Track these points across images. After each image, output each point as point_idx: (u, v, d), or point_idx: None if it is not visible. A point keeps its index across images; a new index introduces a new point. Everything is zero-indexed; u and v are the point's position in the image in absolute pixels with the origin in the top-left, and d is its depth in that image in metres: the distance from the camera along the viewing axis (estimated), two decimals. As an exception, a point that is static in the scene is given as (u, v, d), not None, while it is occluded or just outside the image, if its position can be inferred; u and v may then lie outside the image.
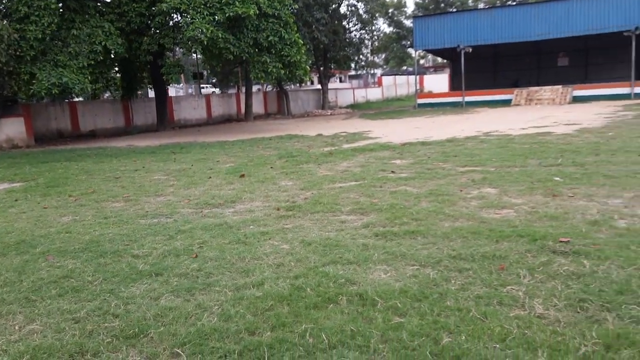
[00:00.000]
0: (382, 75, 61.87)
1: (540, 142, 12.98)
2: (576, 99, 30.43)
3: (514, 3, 55.53)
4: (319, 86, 41.43)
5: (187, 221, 6.98)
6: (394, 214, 6.61)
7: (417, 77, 41.86)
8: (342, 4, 37.63)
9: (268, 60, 21.95)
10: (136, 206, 8.28)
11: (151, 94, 35.17)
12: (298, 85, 47.35)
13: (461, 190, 7.92)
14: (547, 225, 5.76)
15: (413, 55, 38.07)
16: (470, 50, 32.86)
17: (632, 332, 3.23)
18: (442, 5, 58.58)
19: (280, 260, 5.11)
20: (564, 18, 30.47)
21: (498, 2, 59.10)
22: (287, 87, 37.32)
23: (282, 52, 22.34)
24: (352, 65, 41.41)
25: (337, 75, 60.55)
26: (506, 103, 31.97)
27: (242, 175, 10.63)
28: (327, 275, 4.58)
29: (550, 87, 31.59)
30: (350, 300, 4.03)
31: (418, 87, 42.32)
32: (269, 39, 21.89)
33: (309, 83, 52.37)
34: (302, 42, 23.78)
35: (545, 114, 22.89)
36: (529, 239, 5.25)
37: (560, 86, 31.31)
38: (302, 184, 9.30)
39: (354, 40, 38.53)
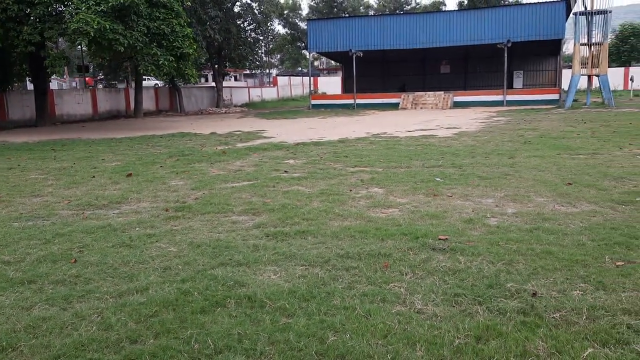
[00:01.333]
0: (277, 75, 62.07)
1: (424, 145, 13.72)
2: (457, 104, 32.55)
3: (402, 12, 58.29)
4: (214, 84, 40.65)
5: (67, 224, 6.53)
6: (285, 214, 6.65)
7: (312, 78, 42.51)
8: (236, 3, 37.22)
9: (159, 52, 21.10)
10: (9, 207, 7.62)
11: (30, 86, 32.50)
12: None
13: (351, 190, 8.15)
14: (428, 223, 6.09)
15: (307, 57, 38.49)
16: (361, 54, 33.96)
17: (499, 324, 3.51)
18: (335, 10, 59.99)
19: (167, 264, 4.94)
20: (446, 29, 32.48)
21: (387, 10, 61.69)
22: (180, 83, 36.18)
23: (174, 44, 21.59)
24: (247, 64, 41.11)
25: (232, 73, 59.83)
26: (394, 106, 33.42)
27: (129, 175, 10.16)
28: (216, 278, 4.50)
29: (434, 92, 33.52)
30: (238, 303, 4.00)
31: (312, 89, 42.98)
32: (162, 28, 21.06)
33: (202, 80, 51.22)
34: (193, 36, 23.19)
35: (429, 118, 24.24)
36: (412, 237, 5.52)
37: (442, 92, 33.31)
38: (193, 184, 9.07)
39: (249, 39, 38.28)
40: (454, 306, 3.85)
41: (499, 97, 32.34)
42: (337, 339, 3.40)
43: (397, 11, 61.88)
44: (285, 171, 10.15)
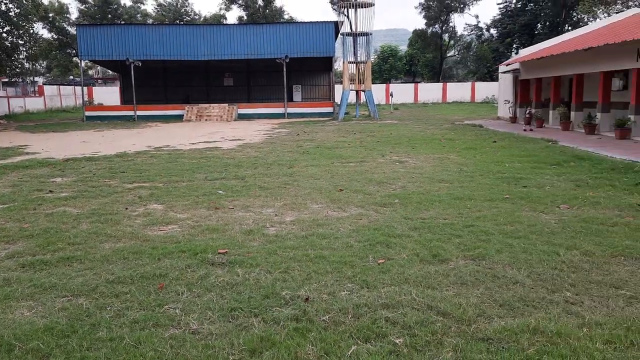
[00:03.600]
0: (44, 84, 55.87)
1: (207, 157, 13.59)
2: (241, 117, 33.15)
3: (182, 23, 57.45)
4: (-39, 93, 34.80)
5: None
6: (47, 240, 5.91)
7: (85, 88, 39.23)
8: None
9: None
10: None
11: None
12: None
13: (127, 209, 7.62)
14: (209, 238, 5.97)
15: (79, 65, 35.41)
16: (140, 64, 32.48)
17: (274, 333, 3.55)
18: (110, 16, 56.50)
19: None
20: (228, 42, 32.92)
21: (166, 20, 60.23)
22: None
23: None
24: (6, 71, 36.14)
25: (-13, 81, 52.14)
26: (178, 118, 32.66)
27: None
28: (-51, 324, 3.74)
29: (218, 104, 33.62)
30: (-22, 352, 3.36)
31: (87, 99, 39.71)
32: None
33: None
34: None
35: (214, 130, 24.21)
36: (191, 253, 5.34)
37: (227, 104, 33.61)
38: None
39: (6, 43, 33.70)
40: (230, 321, 3.78)
41: (280, 110, 33.83)
42: (101, 376, 3.06)
43: (177, 21, 60.81)
44: (50, 191, 9.08)
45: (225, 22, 60.27)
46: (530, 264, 4.84)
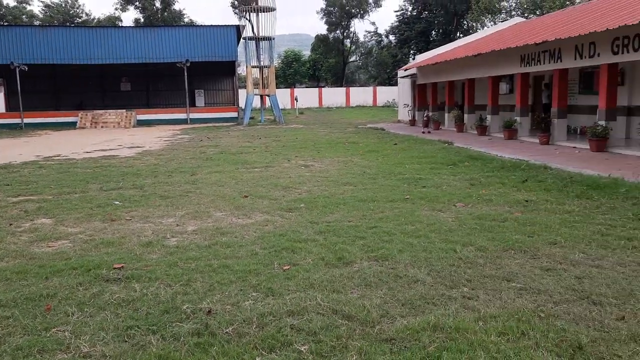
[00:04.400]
0: None
1: (103, 166, 12.88)
2: (141, 123, 31.87)
3: (73, 25, 54.34)
4: None
5: None
6: None
7: (-36, 94, 35.94)
8: None
9: None
10: None
11: None
12: None
13: (11, 224, 7.01)
14: (103, 252, 5.61)
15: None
16: (27, 68, 30.28)
17: (173, 351, 3.36)
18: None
19: None
20: (124, 45, 31.56)
21: (55, 21, 56.68)
22: None
23: None
24: None
25: None
26: (72, 125, 30.82)
27: None
28: None
29: (115, 110, 32.10)
30: None
31: (-35, 106, 36.35)
32: None
33: None
34: None
35: (112, 137, 23.06)
36: (83, 270, 4.98)
37: (125, 110, 32.17)
38: None
39: None
40: (125, 341, 3.54)
41: (182, 116, 32.92)
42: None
43: (67, 23, 57.37)
44: None
45: (121, 25, 57.70)
46: (429, 262, 4.99)
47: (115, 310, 4.05)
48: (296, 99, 44.47)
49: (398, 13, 62.60)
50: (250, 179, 10.51)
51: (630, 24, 10.84)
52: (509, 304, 3.96)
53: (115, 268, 5.04)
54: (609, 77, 13.26)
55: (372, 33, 68.40)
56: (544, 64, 15.64)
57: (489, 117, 19.49)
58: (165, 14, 62.12)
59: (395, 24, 62.96)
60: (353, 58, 71.87)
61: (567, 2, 37.58)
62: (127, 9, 63.10)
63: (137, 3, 61.36)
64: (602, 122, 13.28)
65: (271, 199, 8.41)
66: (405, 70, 28.87)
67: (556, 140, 15.25)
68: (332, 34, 67.33)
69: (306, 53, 71.14)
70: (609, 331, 3.46)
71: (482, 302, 4.02)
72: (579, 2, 32.84)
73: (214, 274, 4.83)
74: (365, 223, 6.57)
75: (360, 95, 55.04)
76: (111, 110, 32.08)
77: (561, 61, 14.81)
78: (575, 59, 14.14)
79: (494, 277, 4.55)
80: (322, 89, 57.23)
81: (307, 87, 61.72)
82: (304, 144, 17.74)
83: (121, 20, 62.05)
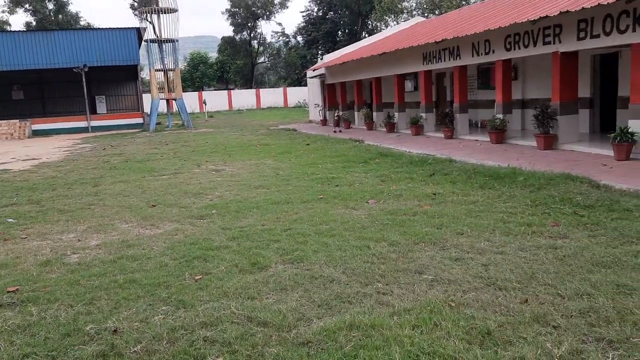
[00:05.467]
0: None
1: (-6, 181, 11.88)
2: (37, 133, 29.86)
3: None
4: None
5: None
6: None
7: None
8: None
9: None
10: None
11: None
12: None
13: None
14: (-6, 276, 5.13)
15: None
16: None
17: (74, 377, 3.11)
18: None
19: None
20: (13, 51, 29.41)
21: None
22: None
23: None
24: None
25: None
26: (-43, 139, 28.24)
27: None
28: None
29: (7, 121, 29.73)
30: None
31: None
32: None
33: None
34: None
35: (3, 149, 21.39)
36: (-30, 297, 4.51)
37: (17, 120, 29.93)
38: None
39: None
40: (20, 372, 3.23)
41: (83, 124, 31.20)
42: None
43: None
44: None
45: (9, 29, 53.77)
46: (344, 260, 5.00)
47: (9, 338, 3.70)
48: (205, 102, 43.53)
49: (304, 14, 63.18)
50: (158, 187, 10.10)
51: (520, 22, 11.54)
52: (421, 297, 4.03)
53: (9, 292, 4.63)
54: (503, 73, 14.06)
55: (279, 34, 68.54)
56: (444, 61, 16.33)
57: (396, 114, 20.07)
58: (60, 16, 58.62)
59: (302, 24, 63.48)
60: (262, 59, 71.59)
61: (463, 2, 39.62)
62: (16, 12, 58.94)
63: (27, 5, 57.45)
64: (500, 115, 14.06)
65: (181, 206, 8.12)
66: (314, 70, 29.12)
67: (459, 134, 15.97)
68: (239, 35, 66.70)
69: (213, 55, 69.89)
70: (514, 315, 3.61)
71: (396, 296, 4.07)
72: (474, 2, 34.71)
73: (120, 290, 4.56)
74: (279, 226, 6.49)
75: (271, 96, 54.92)
76: (2, 121, 29.67)
77: (460, 58, 15.53)
78: (473, 56, 14.88)
79: (407, 271, 4.63)
80: (232, 91, 56.49)
81: (215, 90, 60.70)
82: (215, 148, 17.38)
83: (10, 25, 57.82)
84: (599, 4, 9.30)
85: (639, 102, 9.96)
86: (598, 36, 10.52)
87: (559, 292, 3.95)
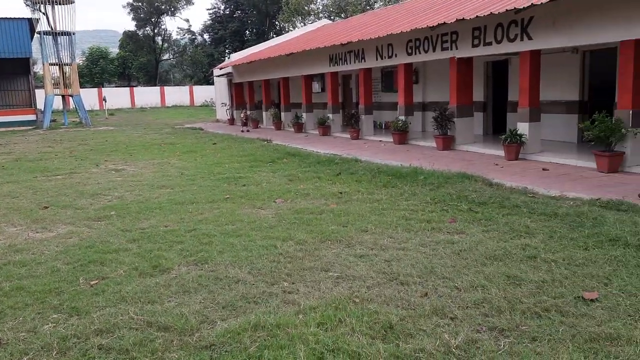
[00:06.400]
0: None
1: None
2: None
3: None
4: None
5: None
6: None
7: None
8: None
9: None
10: None
11: None
12: None
13: None
14: None
15: None
16: None
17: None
18: None
19: None
20: None
21: None
22: None
23: None
24: None
25: None
26: None
27: None
28: None
29: None
30: None
31: None
32: None
33: None
34: None
35: None
36: None
37: None
38: None
39: None
40: None
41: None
42: None
43: None
44: None
45: None
46: (250, 260, 4.93)
47: None
48: (105, 100, 41.42)
49: (211, 11, 62.01)
50: (52, 187, 9.46)
51: (420, 27, 12.04)
52: (327, 294, 4.06)
53: None
54: (405, 76, 14.60)
55: (185, 31, 66.78)
56: (350, 64, 16.67)
57: (304, 115, 20.21)
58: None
59: (209, 22, 62.25)
60: (166, 56, 69.38)
61: (368, 7, 40.73)
62: None
63: None
64: (402, 117, 14.59)
65: (76, 208, 7.64)
66: (221, 69, 28.65)
67: (365, 135, 16.38)
68: (142, 30, 64.20)
69: (114, 50, 66.74)
70: (414, 308, 3.73)
71: (302, 294, 4.07)
72: (378, 7, 35.77)
73: (5, 298, 4.20)
74: (183, 227, 6.29)
75: (177, 94, 53.33)
76: None
77: (365, 61, 15.93)
78: (377, 59, 15.32)
79: (313, 269, 4.65)
80: (134, 88, 54.21)
81: (117, 87, 57.97)
82: (115, 147, 16.58)
83: None
84: (491, 13, 9.90)
85: (526, 106, 10.73)
86: (490, 44, 11.21)
87: (456, 284, 4.14)
